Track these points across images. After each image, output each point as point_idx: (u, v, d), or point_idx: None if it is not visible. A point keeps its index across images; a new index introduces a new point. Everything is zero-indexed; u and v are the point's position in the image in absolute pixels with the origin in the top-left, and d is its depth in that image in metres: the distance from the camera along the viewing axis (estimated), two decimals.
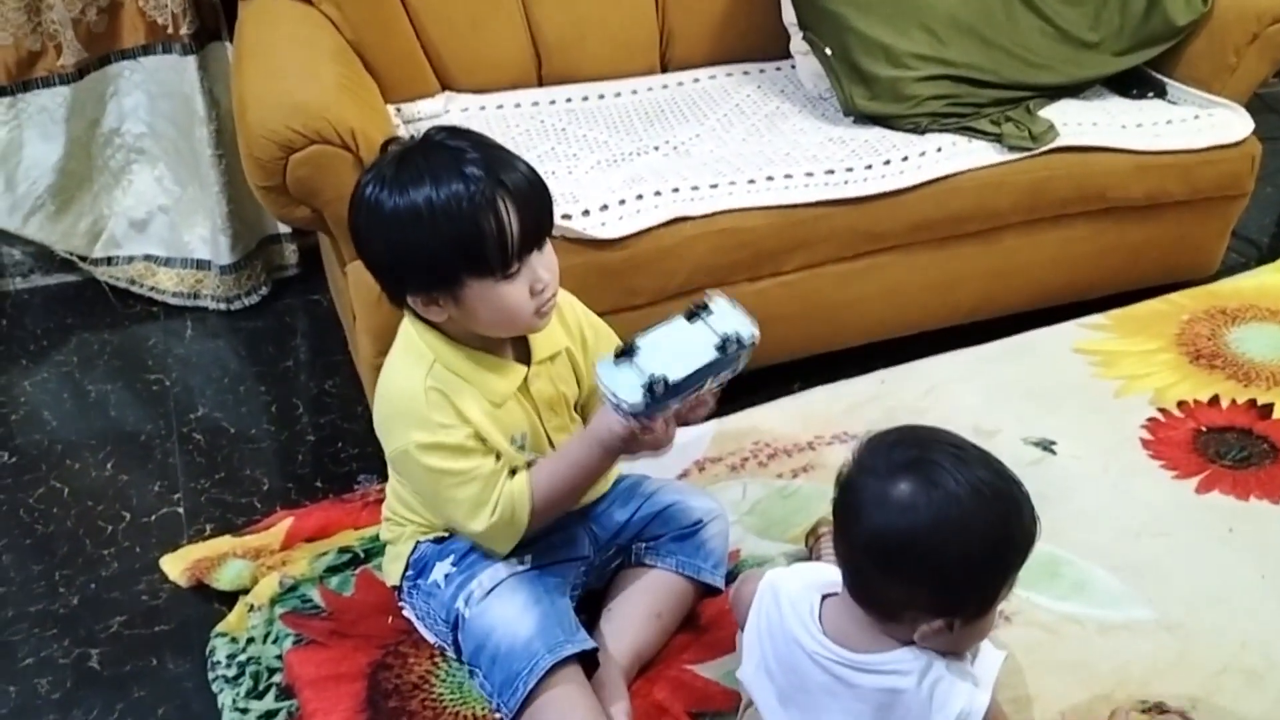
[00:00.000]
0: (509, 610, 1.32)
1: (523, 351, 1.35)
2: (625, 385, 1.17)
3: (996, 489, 1.04)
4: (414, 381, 1.29)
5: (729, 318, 1.21)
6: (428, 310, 1.28)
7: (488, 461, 1.30)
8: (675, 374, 1.17)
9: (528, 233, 1.23)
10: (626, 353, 1.19)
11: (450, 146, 1.24)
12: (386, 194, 1.22)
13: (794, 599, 1.16)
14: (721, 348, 1.19)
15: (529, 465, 1.35)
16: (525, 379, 1.34)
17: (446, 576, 1.38)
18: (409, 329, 1.33)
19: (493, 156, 1.23)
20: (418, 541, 1.42)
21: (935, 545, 1.02)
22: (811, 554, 1.55)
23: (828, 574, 1.17)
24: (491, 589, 1.35)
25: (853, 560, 1.09)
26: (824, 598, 1.15)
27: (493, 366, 1.32)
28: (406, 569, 1.43)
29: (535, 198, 1.25)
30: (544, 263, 1.27)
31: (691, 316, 1.22)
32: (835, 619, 1.13)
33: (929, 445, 1.06)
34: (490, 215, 1.20)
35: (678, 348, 1.19)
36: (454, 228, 1.20)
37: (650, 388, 1.16)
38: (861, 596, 1.09)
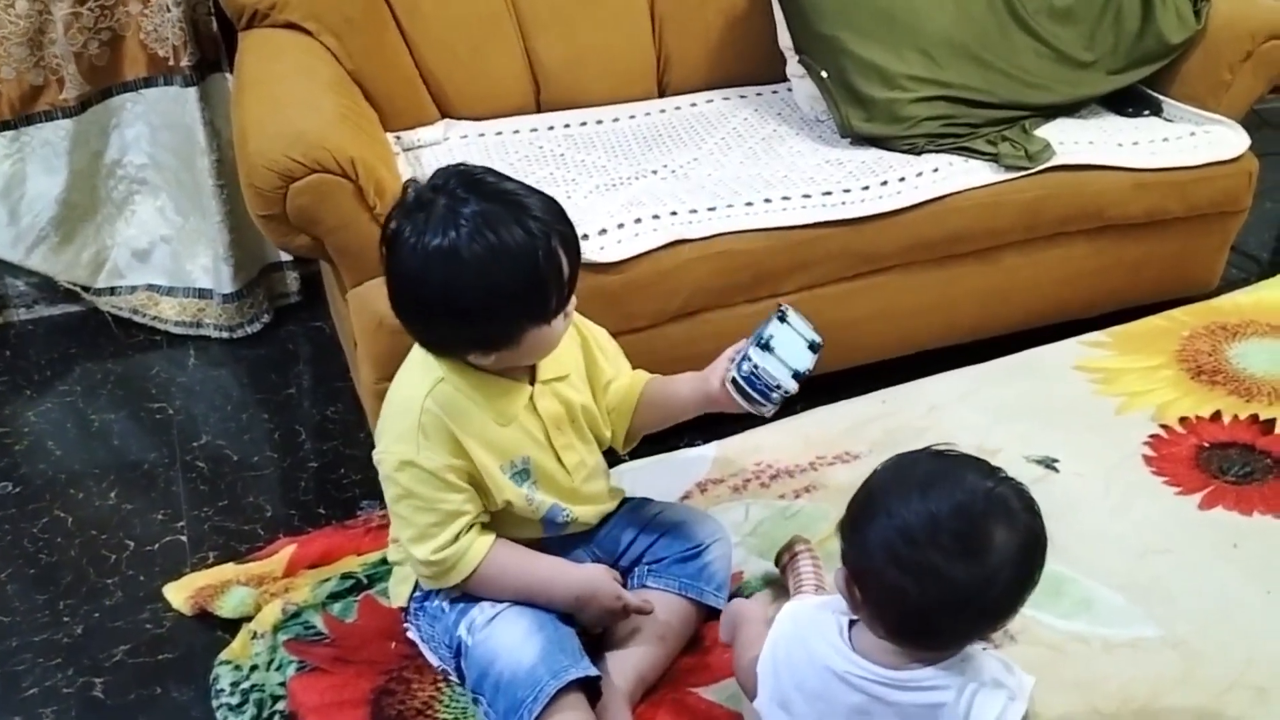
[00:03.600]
0: (512, 637, 1.32)
1: (529, 371, 1.36)
2: (780, 373, 1.34)
3: (1028, 499, 1.08)
4: (415, 395, 1.30)
5: (804, 324, 1.41)
6: (482, 359, 1.29)
7: (456, 498, 1.31)
8: (803, 365, 1.36)
9: (576, 268, 1.28)
10: (765, 346, 1.35)
11: (489, 198, 1.23)
12: (455, 263, 1.20)
13: (819, 625, 1.14)
14: (812, 347, 1.39)
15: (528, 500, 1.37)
16: (531, 397, 1.35)
17: (451, 602, 1.38)
18: None
19: (536, 203, 1.25)
20: None
21: (1030, 579, 1.06)
22: (784, 571, 1.55)
23: (841, 602, 1.16)
24: (494, 616, 1.35)
25: (930, 618, 1.05)
26: (851, 621, 1.14)
27: (499, 387, 1.33)
28: (414, 590, 1.43)
29: (574, 231, 1.28)
30: None
31: (782, 319, 1.39)
32: (865, 639, 1.12)
33: (963, 484, 1.06)
34: (555, 266, 1.23)
35: (788, 348, 1.37)
36: (527, 289, 1.23)
37: (797, 376, 1.35)
38: (924, 643, 1.08)
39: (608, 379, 1.46)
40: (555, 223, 1.25)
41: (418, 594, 1.43)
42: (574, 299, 1.31)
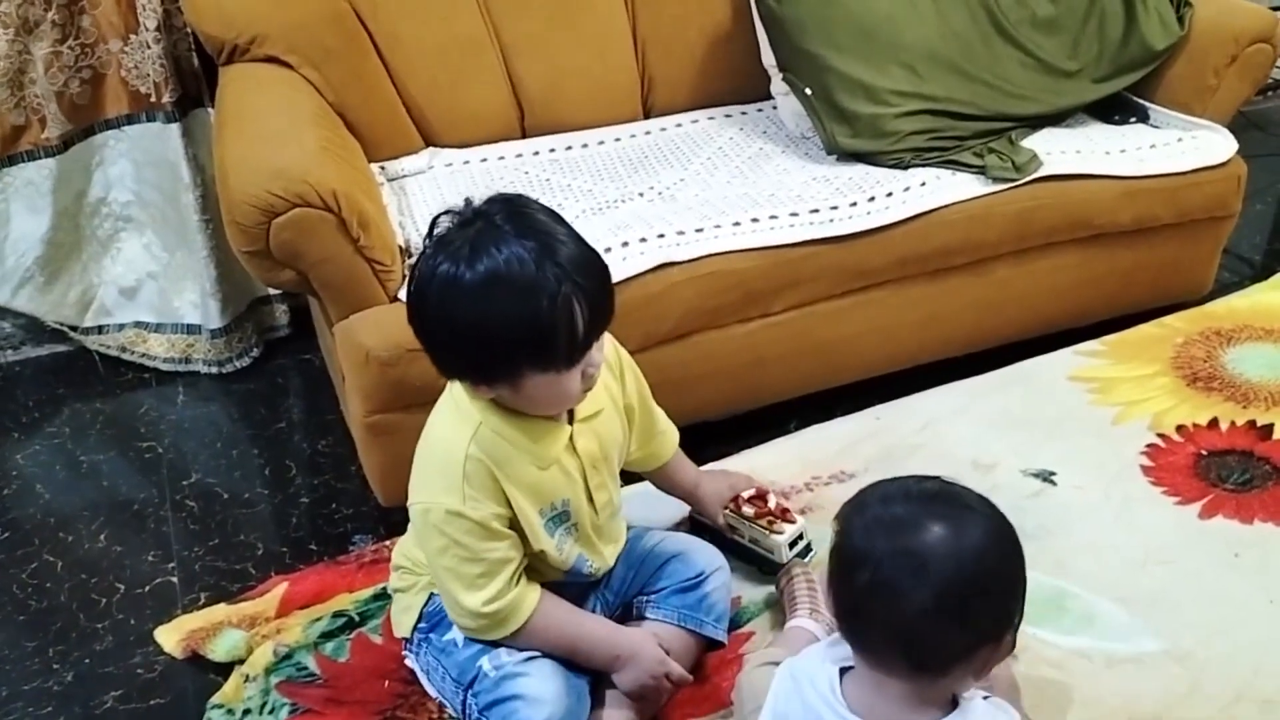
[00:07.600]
0: (542, 686, 1.31)
1: (568, 410, 1.34)
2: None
3: (987, 502, 1.07)
4: (457, 445, 1.27)
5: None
6: (477, 390, 1.26)
7: (502, 546, 1.29)
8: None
9: (594, 330, 1.23)
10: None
11: (522, 233, 1.18)
12: (457, 283, 1.17)
13: (813, 677, 1.12)
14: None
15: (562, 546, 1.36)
16: (571, 437, 1.33)
17: (467, 639, 1.36)
18: (458, 388, 1.30)
19: (569, 252, 1.19)
20: (432, 593, 1.40)
21: (1000, 572, 1.03)
22: (782, 594, 1.53)
23: (838, 649, 1.13)
24: (525, 659, 1.34)
25: (911, 629, 1.01)
26: (842, 671, 1.11)
27: (539, 429, 1.30)
28: (419, 620, 1.41)
29: (604, 294, 1.23)
30: (597, 347, 1.26)
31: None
32: (859, 692, 1.09)
33: (916, 494, 1.06)
34: (564, 317, 1.18)
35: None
36: (527, 329, 1.18)
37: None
38: (919, 663, 1.03)
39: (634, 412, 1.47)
40: (579, 275, 1.18)
41: (422, 625, 1.41)
42: (599, 357, 1.27)
